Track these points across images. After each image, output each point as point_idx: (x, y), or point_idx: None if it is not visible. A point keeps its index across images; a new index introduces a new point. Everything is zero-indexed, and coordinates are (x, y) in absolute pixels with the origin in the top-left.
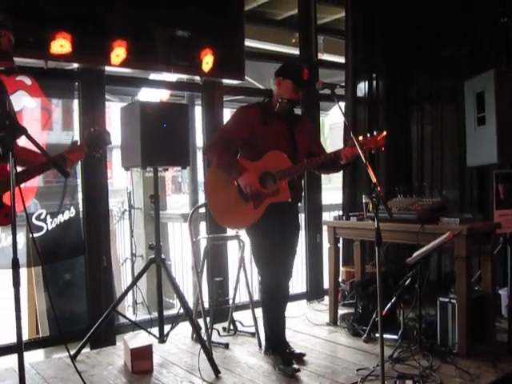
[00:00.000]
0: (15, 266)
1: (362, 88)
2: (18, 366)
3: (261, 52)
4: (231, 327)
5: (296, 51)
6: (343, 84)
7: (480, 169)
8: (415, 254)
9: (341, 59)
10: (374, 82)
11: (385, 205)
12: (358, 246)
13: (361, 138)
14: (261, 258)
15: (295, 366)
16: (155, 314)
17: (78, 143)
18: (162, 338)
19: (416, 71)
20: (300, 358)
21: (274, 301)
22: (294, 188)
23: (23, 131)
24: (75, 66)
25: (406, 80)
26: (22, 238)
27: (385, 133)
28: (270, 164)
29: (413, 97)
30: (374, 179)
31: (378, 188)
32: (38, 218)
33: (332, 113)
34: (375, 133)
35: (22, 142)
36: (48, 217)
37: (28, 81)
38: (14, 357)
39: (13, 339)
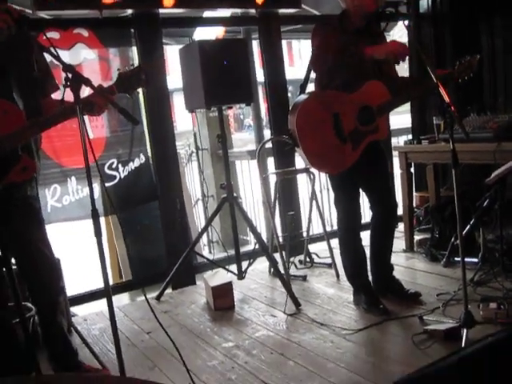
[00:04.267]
0: (95, 216)
1: (425, 3)
2: (108, 309)
3: None
4: (307, 260)
5: None
6: (405, 1)
7: None
8: (494, 174)
9: None
10: None
11: (460, 125)
12: (431, 170)
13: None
14: (342, 200)
15: (382, 306)
16: (231, 252)
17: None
18: (241, 275)
19: None
20: (415, 298)
21: (351, 240)
22: (388, 123)
23: (87, 81)
24: (129, 12)
25: None
26: (96, 188)
27: (478, 56)
28: (368, 97)
29: (481, 8)
30: (447, 99)
31: (452, 108)
32: (110, 168)
33: (392, 33)
34: (468, 57)
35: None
36: (119, 165)
37: (85, 33)
38: (102, 302)
39: (98, 285)
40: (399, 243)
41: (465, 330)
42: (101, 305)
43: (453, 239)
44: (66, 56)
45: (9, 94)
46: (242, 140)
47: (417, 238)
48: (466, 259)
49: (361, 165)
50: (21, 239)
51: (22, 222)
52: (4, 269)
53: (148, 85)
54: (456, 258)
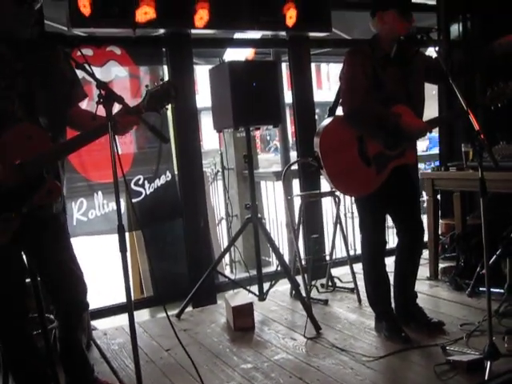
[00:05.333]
0: (121, 231)
1: (456, 30)
2: (130, 326)
3: (347, 1)
4: (329, 283)
5: None
6: (436, 27)
7: None
8: None
9: (431, 1)
10: (469, 23)
11: (490, 153)
12: (458, 198)
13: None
14: (367, 224)
15: (404, 334)
16: (253, 272)
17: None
18: (262, 296)
19: None
20: (438, 327)
21: (375, 265)
22: (415, 148)
23: (119, 99)
24: (161, 31)
25: (505, 17)
26: (122, 203)
27: None
28: None
29: None
30: (476, 126)
31: (482, 136)
32: (136, 184)
33: None
34: (501, 85)
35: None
36: (146, 182)
37: (118, 50)
38: (122, 317)
39: (119, 300)
40: (423, 271)
41: (488, 363)
42: (121, 320)
43: (478, 268)
44: (97, 73)
45: (33, 116)
46: (268, 160)
47: (441, 265)
48: (492, 290)
49: (389, 189)
50: (46, 254)
51: (47, 237)
52: (28, 280)
53: (177, 101)
54: (481, 288)
